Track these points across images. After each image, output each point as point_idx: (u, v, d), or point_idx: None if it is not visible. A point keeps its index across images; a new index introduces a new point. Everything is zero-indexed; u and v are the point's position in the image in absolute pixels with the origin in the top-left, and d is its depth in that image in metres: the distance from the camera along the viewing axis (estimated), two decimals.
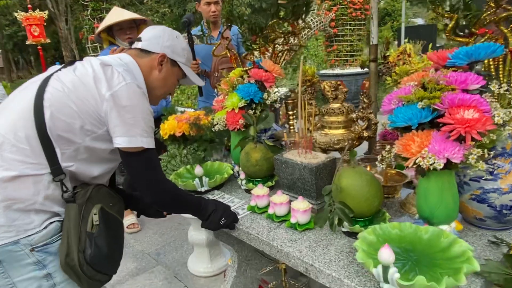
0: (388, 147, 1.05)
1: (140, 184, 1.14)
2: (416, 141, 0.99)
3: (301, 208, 1.21)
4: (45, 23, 5.93)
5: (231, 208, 1.36)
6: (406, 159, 1.01)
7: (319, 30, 5.68)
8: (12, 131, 1.03)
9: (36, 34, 5.75)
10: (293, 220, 1.22)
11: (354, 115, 1.44)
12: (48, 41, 6.19)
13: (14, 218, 1.01)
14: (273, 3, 1.59)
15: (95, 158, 1.13)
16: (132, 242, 2.97)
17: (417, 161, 0.96)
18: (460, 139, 0.94)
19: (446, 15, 1.20)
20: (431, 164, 0.93)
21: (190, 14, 2.44)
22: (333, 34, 5.64)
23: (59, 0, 13.38)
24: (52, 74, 1.10)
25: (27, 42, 5.90)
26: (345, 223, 1.12)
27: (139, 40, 1.25)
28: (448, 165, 0.94)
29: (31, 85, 1.10)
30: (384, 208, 1.24)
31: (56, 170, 1.05)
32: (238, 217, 1.34)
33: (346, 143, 1.41)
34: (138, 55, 1.23)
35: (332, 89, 1.45)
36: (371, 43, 1.54)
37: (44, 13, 5.88)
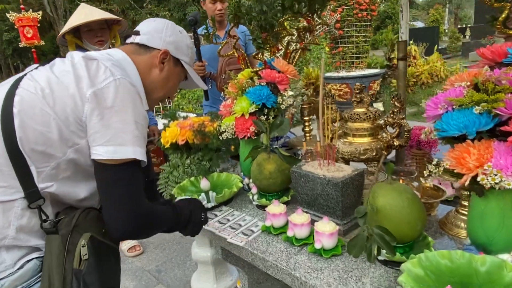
0: (436, 160, 0.88)
1: (113, 205, 0.88)
2: (473, 153, 0.81)
3: (327, 231, 1.04)
4: (39, 25, 5.66)
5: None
6: (459, 175, 0.84)
7: (324, 32, 5.52)
8: None
9: (29, 36, 5.42)
10: (317, 245, 1.04)
11: (382, 121, 1.26)
12: (42, 43, 5.91)
13: None
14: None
15: (81, 176, 0.94)
16: (131, 259, 2.78)
17: (478, 179, 0.78)
18: None
19: (495, 5, 1.02)
20: (496, 183, 0.76)
21: (196, 12, 2.25)
22: (338, 36, 5.47)
23: (58, 4, 13.27)
24: (26, 74, 0.91)
25: (21, 45, 5.61)
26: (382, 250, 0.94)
27: (137, 33, 1.06)
28: None
29: (1, 87, 0.90)
30: None
31: (32, 194, 0.85)
32: (252, 236, 1.18)
33: (374, 153, 1.23)
34: (134, 52, 1.05)
35: (357, 91, 1.27)
36: (399, 39, 1.37)
37: (38, 14, 5.63)
